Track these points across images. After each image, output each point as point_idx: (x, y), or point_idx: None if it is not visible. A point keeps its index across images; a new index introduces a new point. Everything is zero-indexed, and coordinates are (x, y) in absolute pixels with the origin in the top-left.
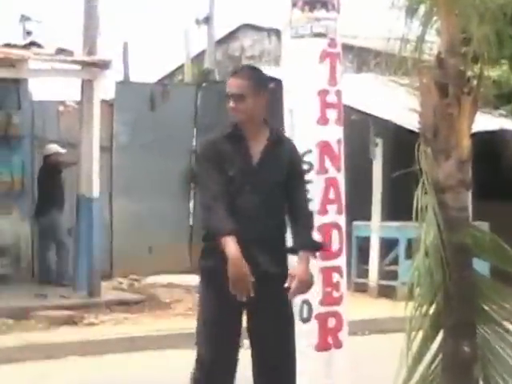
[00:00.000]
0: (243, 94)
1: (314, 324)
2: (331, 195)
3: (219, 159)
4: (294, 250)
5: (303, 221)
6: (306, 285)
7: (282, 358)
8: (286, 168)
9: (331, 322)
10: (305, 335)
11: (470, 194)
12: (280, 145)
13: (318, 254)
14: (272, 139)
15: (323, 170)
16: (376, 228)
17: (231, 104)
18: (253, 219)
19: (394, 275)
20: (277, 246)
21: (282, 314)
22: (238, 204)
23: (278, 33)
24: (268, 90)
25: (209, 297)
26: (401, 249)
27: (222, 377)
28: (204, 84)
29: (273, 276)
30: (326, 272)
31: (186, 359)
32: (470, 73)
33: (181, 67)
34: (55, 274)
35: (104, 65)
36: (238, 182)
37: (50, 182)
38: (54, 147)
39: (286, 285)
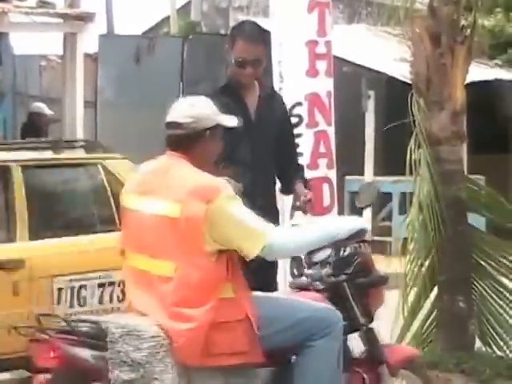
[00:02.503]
0: (261, 59)
1: (305, 279)
2: (321, 149)
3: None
4: (288, 187)
5: (297, 171)
6: None
7: None
8: (278, 121)
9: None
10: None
11: (465, 147)
12: (272, 98)
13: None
14: (264, 93)
15: (313, 123)
16: None
17: (249, 70)
18: (251, 170)
19: (387, 231)
20: (270, 202)
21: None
22: (236, 156)
23: None
24: None
25: None
26: (394, 204)
27: None
28: (190, 36)
29: None
30: None
31: None
32: (463, 22)
33: (166, 19)
34: None
35: (87, 17)
36: (237, 135)
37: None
38: (40, 107)
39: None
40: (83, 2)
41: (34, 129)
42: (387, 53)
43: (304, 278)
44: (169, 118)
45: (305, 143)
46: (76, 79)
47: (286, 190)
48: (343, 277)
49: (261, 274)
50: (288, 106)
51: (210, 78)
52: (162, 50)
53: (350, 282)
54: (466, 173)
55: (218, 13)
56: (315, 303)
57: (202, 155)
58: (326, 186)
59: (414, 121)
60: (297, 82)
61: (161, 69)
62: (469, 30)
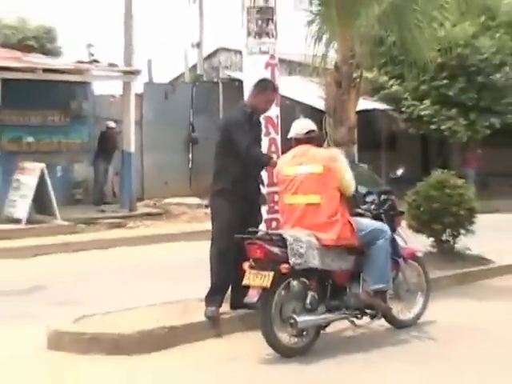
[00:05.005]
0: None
1: (263, 226)
2: (273, 148)
3: (249, 124)
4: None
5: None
6: None
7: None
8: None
9: (273, 224)
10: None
11: (356, 147)
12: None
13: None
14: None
15: (267, 133)
16: None
17: (271, 105)
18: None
19: None
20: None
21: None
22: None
23: (240, 52)
24: None
25: (226, 204)
26: None
27: (231, 256)
28: (197, 83)
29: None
30: (271, 194)
31: (191, 246)
32: (355, 74)
33: (183, 74)
34: (109, 198)
35: (136, 72)
36: (253, 136)
37: (105, 143)
38: (112, 123)
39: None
40: (135, 63)
41: (108, 138)
42: (311, 93)
43: (360, 210)
44: (301, 130)
45: (263, 145)
46: (130, 108)
47: None
48: (381, 211)
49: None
50: None
51: (209, 108)
52: (180, 91)
53: (385, 213)
54: (356, 162)
55: (212, 69)
56: (376, 221)
57: (318, 144)
58: (275, 171)
59: (326, 132)
60: None
61: (180, 102)
62: (358, 80)
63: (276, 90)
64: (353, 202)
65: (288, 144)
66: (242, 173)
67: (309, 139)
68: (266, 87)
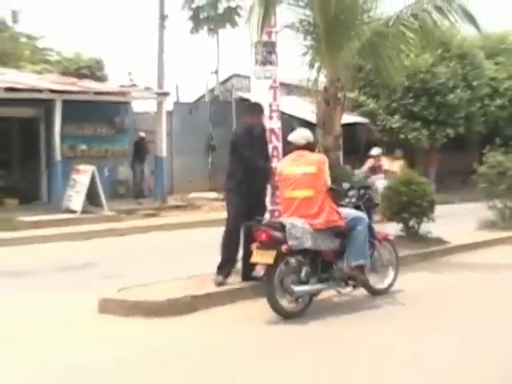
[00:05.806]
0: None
1: (267, 215)
2: (275, 153)
3: (250, 137)
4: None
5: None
6: None
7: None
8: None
9: (275, 214)
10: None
11: (341, 152)
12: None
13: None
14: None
15: (271, 141)
16: None
17: (261, 124)
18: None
19: None
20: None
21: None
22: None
23: (249, 77)
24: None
25: (235, 198)
26: None
27: (237, 237)
28: (214, 102)
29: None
30: (275, 189)
31: (210, 232)
32: (339, 95)
33: (203, 95)
34: (146, 192)
35: (167, 94)
36: (256, 147)
37: (138, 149)
38: (143, 134)
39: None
40: (166, 87)
41: (141, 145)
42: (305, 109)
43: (343, 202)
44: (301, 140)
45: (269, 150)
46: (162, 122)
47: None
48: (361, 202)
49: (257, 207)
50: None
51: (224, 122)
52: (202, 108)
53: (363, 204)
54: (342, 164)
55: (226, 91)
56: (356, 211)
57: (312, 150)
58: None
59: (317, 140)
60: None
61: (201, 117)
62: (342, 99)
63: (262, 112)
64: (337, 196)
65: (288, 148)
66: (244, 176)
67: (306, 146)
68: (255, 110)
